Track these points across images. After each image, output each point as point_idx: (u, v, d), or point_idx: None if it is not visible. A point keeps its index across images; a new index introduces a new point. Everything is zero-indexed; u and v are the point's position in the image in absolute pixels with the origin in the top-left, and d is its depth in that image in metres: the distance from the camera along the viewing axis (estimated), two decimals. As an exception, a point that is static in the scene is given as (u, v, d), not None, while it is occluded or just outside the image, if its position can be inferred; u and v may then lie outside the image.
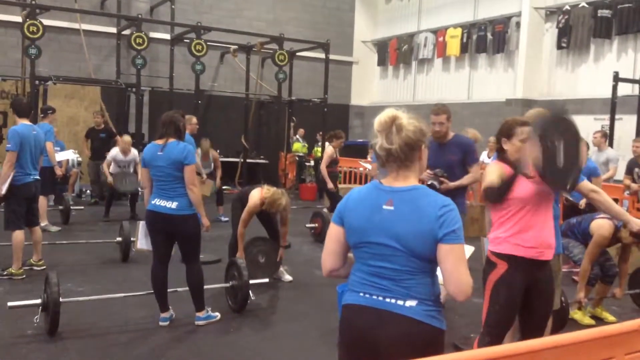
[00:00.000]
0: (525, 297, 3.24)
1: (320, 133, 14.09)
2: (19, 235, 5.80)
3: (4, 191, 5.66)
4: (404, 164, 2.12)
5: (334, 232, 2.25)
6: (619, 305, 5.68)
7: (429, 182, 4.61)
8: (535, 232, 3.17)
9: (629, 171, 8.14)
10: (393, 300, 2.08)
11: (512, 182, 3.11)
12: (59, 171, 8.00)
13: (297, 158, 14.45)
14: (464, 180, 4.78)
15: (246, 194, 5.99)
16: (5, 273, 5.81)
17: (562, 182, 3.07)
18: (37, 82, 10.56)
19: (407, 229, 2.06)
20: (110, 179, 9.18)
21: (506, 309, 3.22)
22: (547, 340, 1.92)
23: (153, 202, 4.55)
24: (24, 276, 5.86)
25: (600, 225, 4.98)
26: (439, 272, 2.11)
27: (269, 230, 6.26)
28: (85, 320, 4.74)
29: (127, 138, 9.65)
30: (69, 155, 10.23)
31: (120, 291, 5.12)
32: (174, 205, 4.48)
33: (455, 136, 4.96)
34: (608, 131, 9.52)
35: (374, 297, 2.12)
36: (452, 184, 4.67)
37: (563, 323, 4.56)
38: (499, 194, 3.14)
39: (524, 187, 3.16)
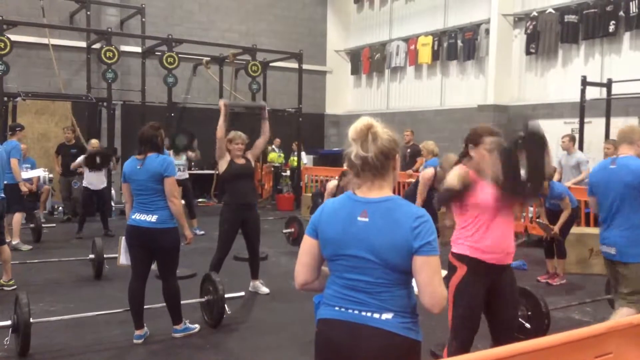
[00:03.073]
0: (489, 301, 3.28)
1: (296, 143, 14.09)
2: None
3: None
4: (379, 173, 2.10)
5: (308, 245, 2.22)
6: (593, 307, 5.75)
7: None
8: (494, 237, 3.23)
9: None
10: (369, 314, 2.06)
11: (468, 190, 3.18)
12: (24, 187, 7.82)
13: (272, 168, 14.41)
14: None
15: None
16: None
17: (521, 194, 3.17)
18: (5, 98, 10.39)
19: (382, 241, 2.04)
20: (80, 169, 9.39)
21: (469, 312, 3.26)
22: (517, 346, 1.93)
23: (133, 216, 4.54)
24: (-6, 297, 5.73)
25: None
26: (414, 282, 2.10)
27: (249, 244, 6.16)
28: (58, 341, 4.64)
29: (94, 142, 9.77)
30: (39, 172, 10.08)
31: (93, 309, 5.04)
32: (153, 218, 4.47)
33: None
34: (578, 134, 9.68)
35: (350, 310, 2.09)
36: None
37: (546, 328, 4.60)
38: (452, 197, 3.20)
39: (484, 194, 3.21)
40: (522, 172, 3.04)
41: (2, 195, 5.89)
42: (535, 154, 3.09)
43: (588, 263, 7.35)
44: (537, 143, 3.12)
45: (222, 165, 5.90)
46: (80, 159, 9.45)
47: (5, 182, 6.72)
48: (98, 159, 9.22)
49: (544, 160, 3.17)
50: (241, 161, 5.93)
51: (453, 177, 3.27)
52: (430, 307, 2.03)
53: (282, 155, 14.92)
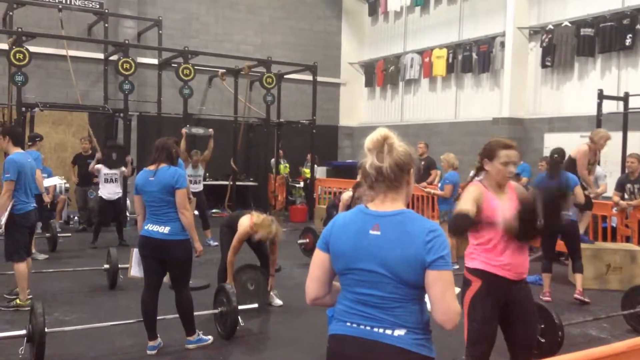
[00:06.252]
0: (505, 317, 3.24)
1: (309, 154, 14.10)
2: (22, 266, 5.69)
3: (3, 222, 5.57)
4: (393, 185, 2.08)
5: (319, 259, 2.19)
6: (610, 323, 5.66)
7: None
8: (507, 252, 3.20)
9: (620, 187, 8.11)
10: (381, 330, 2.02)
11: (477, 223, 3.19)
12: (47, 198, 7.92)
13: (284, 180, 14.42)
14: None
15: (235, 219, 5.94)
16: (12, 304, 5.73)
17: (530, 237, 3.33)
18: (23, 109, 10.52)
19: (394, 255, 2.00)
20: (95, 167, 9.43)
21: (483, 326, 3.22)
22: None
23: (146, 227, 4.57)
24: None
25: None
26: (427, 298, 2.06)
27: (259, 256, 6.18)
28: (72, 351, 4.66)
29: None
30: (56, 181, 10.17)
31: (108, 320, 5.06)
32: (166, 230, 4.50)
33: None
34: (594, 148, 9.57)
35: (361, 326, 2.05)
36: None
37: (560, 342, 4.53)
38: (463, 228, 3.21)
39: (497, 211, 3.20)
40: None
41: (35, 204, 5.93)
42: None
43: (605, 279, 7.26)
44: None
45: None
46: (98, 157, 9.62)
47: None
48: (114, 156, 9.36)
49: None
50: None
51: (467, 200, 3.22)
52: (442, 323, 1.99)
53: (288, 166, 14.89)
